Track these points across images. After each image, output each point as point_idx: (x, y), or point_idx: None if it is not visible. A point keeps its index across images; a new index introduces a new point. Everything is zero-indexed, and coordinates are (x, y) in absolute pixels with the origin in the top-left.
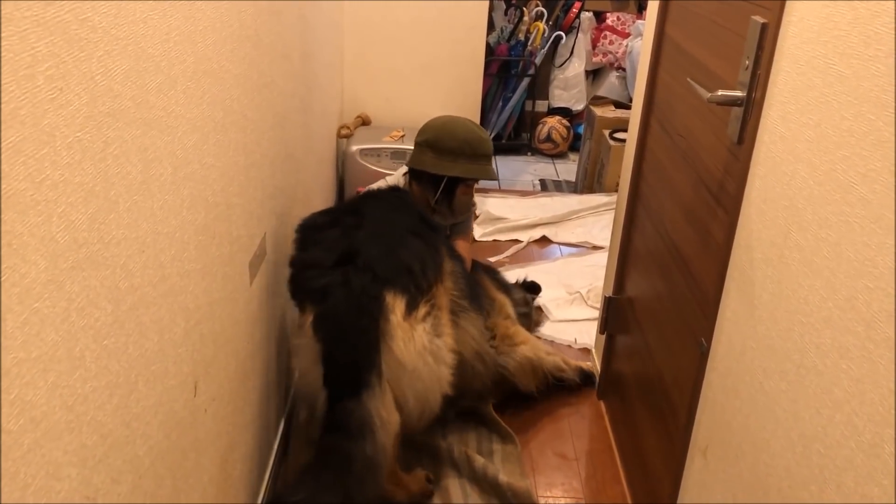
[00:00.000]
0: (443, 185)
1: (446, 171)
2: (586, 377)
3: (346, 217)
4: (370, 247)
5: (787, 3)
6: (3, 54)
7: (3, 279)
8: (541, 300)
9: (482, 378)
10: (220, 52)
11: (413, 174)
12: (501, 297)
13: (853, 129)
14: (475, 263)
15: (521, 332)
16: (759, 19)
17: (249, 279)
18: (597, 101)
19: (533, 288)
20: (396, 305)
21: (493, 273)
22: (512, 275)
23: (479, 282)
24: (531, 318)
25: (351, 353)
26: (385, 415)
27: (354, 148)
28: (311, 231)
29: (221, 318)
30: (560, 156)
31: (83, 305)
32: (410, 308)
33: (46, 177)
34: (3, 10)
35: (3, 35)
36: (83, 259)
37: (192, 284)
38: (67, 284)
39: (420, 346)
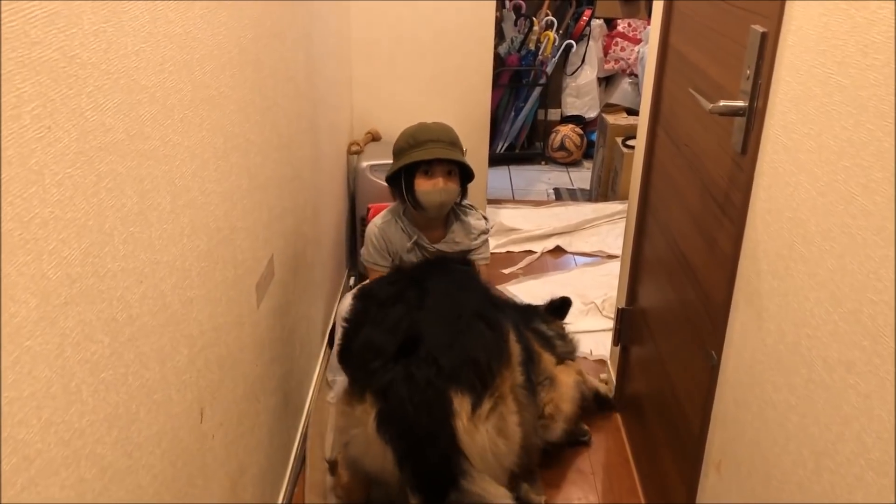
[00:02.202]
0: (403, 186)
1: (395, 167)
2: (602, 401)
3: (409, 291)
4: (434, 333)
5: (786, 12)
6: None
7: None
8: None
9: (525, 469)
10: (219, 78)
11: (395, 195)
12: (549, 359)
13: (853, 139)
14: (512, 313)
15: (564, 394)
16: (759, 28)
17: (257, 301)
18: (609, 108)
19: (563, 306)
20: (462, 408)
21: (529, 318)
22: (525, 287)
23: (530, 348)
24: (573, 353)
25: (435, 455)
26: (490, 487)
27: (364, 164)
28: (374, 303)
29: (227, 343)
30: (574, 164)
31: (78, 340)
32: (475, 407)
33: (35, 215)
34: None
35: None
36: (77, 294)
37: (195, 311)
38: (61, 320)
39: (480, 448)
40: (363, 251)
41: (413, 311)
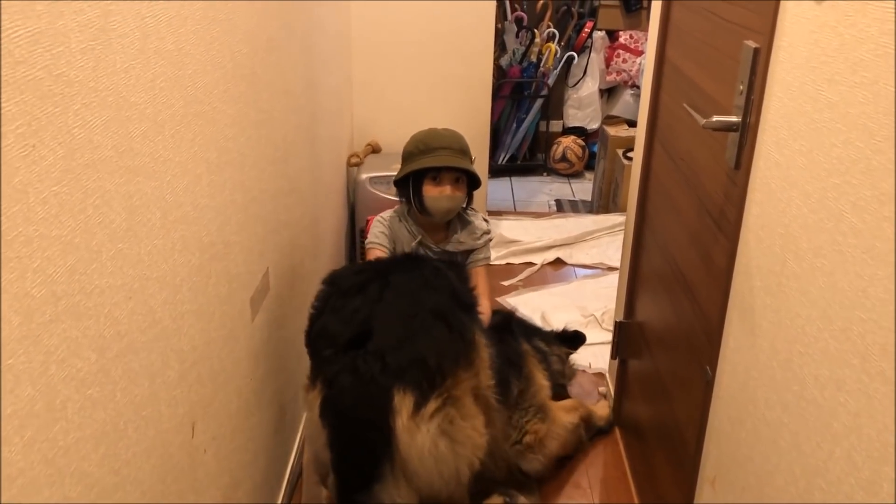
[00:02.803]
0: (411, 189)
1: (403, 171)
2: (599, 431)
3: (372, 283)
4: (386, 329)
5: (778, 28)
6: None
7: None
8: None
9: (492, 474)
10: (212, 93)
11: (402, 198)
12: (543, 384)
13: (843, 157)
14: (514, 323)
15: (553, 432)
16: (752, 44)
17: (251, 315)
18: (610, 120)
19: (576, 339)
20: (404, 406)
21: (530, 334)
22: (525, 299)
23: (522, 354)
24: (566, 386)
25: (361, 448)
26: (401, 501)
27: (364, 176)
28: (336, 291)
29: (220, 357)
30: (576, 175)
31: (64, 357)
32: (419, 406)
33: (19, 233)
34: None
35: None
36: (62, 311)
37: (186, 326)
38: (45, 338)
39: (419, 448)
40: (368, 235)
41: (371, 303)
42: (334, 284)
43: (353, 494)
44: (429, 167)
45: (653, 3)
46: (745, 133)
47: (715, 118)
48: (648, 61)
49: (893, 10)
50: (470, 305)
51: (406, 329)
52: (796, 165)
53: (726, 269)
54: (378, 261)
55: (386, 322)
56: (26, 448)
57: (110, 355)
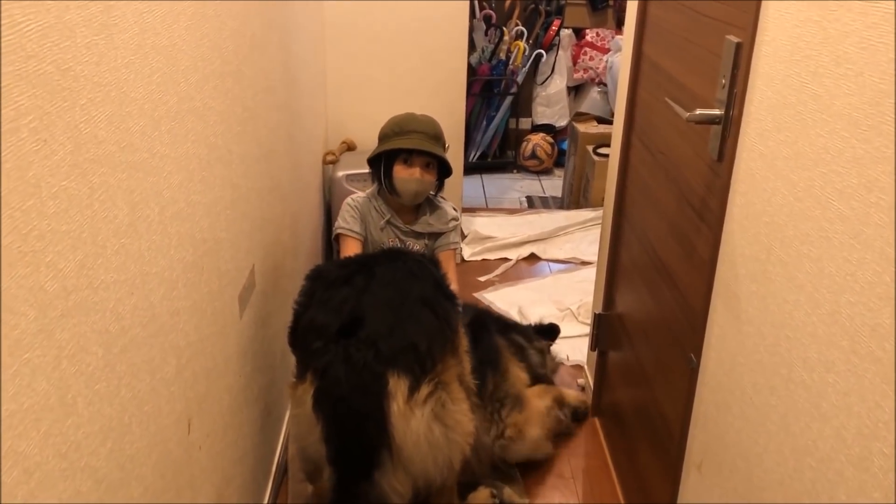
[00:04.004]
0: (382, 169)
1: (377, 150)
2: (581, 414)
3: (358, 275)
4: (375, 317)
5: (760, 24)
6: None
7: None
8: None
9: (472, 469)
10: (203, 89)
11: (374, 178)
12: (520, 376)
13: (828, 147)
14: (490, 319)
15: (530, 418)
16: (734, 39)
17: (239, 312)
18: (579, 117)
19: (551, 331)
20: (399, 391)
21: (507, 330)
22: (501, 294)
23: (498, 349)
24: (548, 376)
25: (360, 437)
26: (399, 487)
27: (340, 174)
28: (322, 284)
29: (213, 354)
30: (545, 172)
31: (74, 352)
32: (413, 390)
33: (33, 227)
34: None
35: None
36: (72, 306)
37: (182, 322)
38: (57, 332)
39: (415, 433)
40: (337, 221)
41: (358, 293)
42: (319, 278)
43: (354, 484)
44: (400, 149)
45: (628, 2)
46: (728, 126)
47: (698, 111)
48: (625, 58)
49: (877, 5)
50: (451, 296)
51: (395, 316)
52: (781, 156)
53: (710, 258)
54: (361, 255)
55: (375, 311)
56: (42, 442)
57: (115, 350)
